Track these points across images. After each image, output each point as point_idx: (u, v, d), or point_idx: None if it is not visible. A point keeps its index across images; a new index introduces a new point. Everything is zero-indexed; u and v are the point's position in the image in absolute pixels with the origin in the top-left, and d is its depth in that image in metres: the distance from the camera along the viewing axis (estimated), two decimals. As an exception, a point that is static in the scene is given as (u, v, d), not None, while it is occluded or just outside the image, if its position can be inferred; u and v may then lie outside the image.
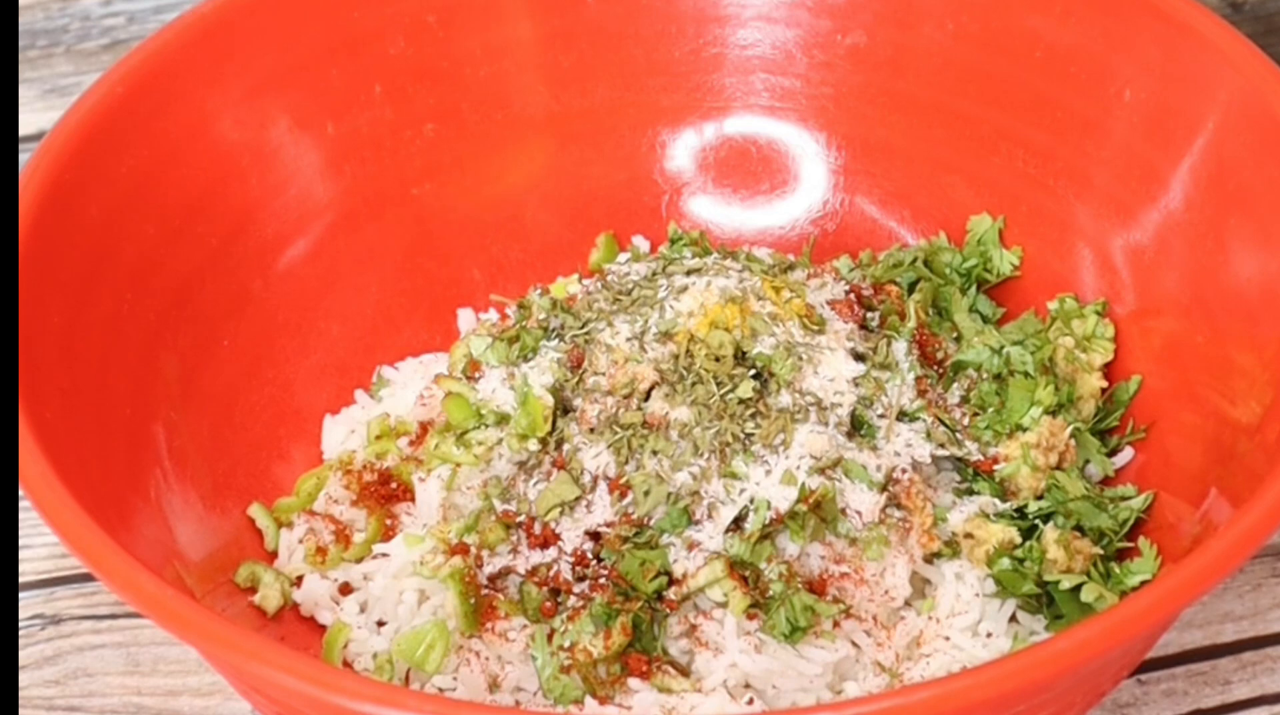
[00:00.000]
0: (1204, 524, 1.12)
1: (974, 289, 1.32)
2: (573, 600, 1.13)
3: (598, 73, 1.38)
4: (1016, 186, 1.33)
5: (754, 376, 1.16)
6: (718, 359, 1.16)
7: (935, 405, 1.21)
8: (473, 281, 1.38)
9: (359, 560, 1.23)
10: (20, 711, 1.22)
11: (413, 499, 1.23)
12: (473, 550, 1.16)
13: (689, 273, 1.23)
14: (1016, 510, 1.19)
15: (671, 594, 1.13)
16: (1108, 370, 1.27)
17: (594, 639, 1.11)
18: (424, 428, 1.26)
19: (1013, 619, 1.15)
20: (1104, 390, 1.27)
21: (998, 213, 1.34)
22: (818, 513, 1.14)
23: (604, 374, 1.18)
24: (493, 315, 1.36)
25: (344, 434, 1.30)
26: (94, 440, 1.12)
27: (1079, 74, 1.28)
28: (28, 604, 1.28)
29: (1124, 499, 1.22)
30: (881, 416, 1.18)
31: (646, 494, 1.14)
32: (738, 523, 1.14)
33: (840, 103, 1.37)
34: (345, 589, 1.22)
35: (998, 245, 1.33)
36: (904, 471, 1.17)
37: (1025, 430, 1.21)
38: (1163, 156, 1.24)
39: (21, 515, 1.29)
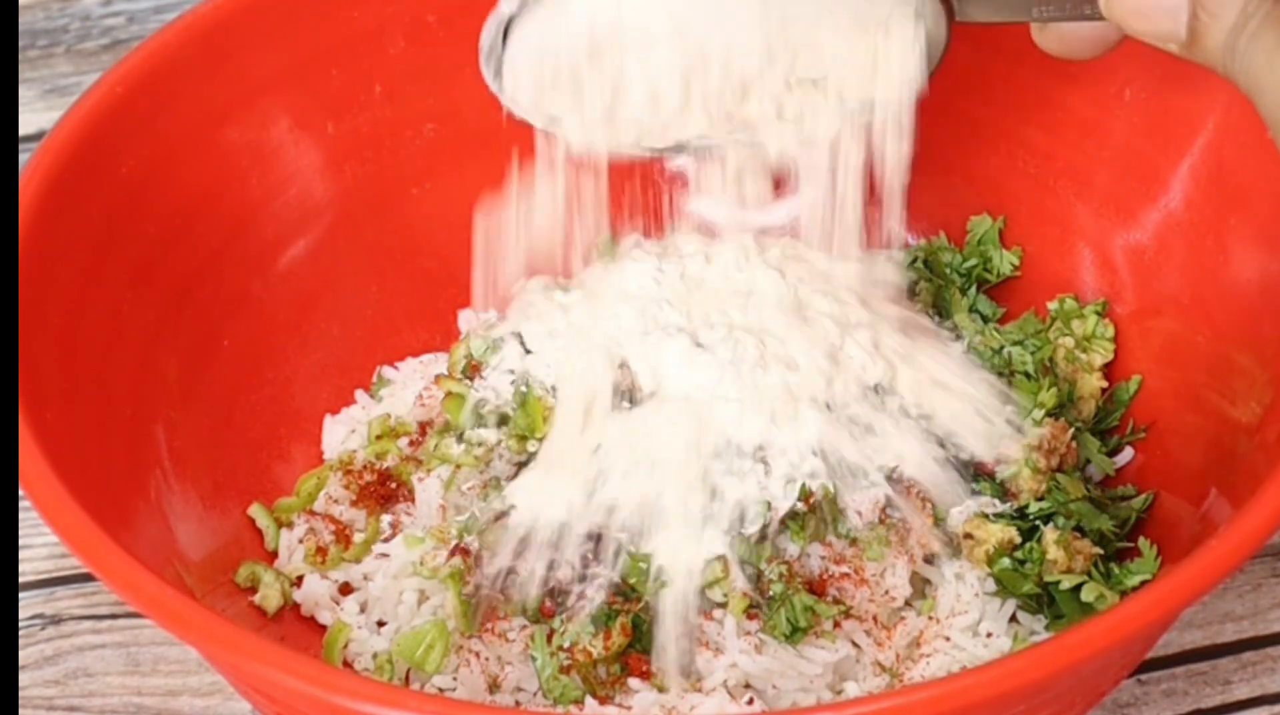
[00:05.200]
0: (1204, 524, 1.12)
1: (974, 289, 1.32)
2: (573, 600, 1.13)
3: (598, 73, 1.37)
4: (1016, 186, 1.32)
5: (754, 376, 1.17)
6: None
7: (936, 405, 1.21)
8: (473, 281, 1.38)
9: (359, 560, 1.23)
10: (20, 711, 1.22)
11: (413, 499, 1.23)
12: (473, 550, 1.16)
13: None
14: (1017, 511, 1.18)
15: (671, 594, 1.13)
16: (1108, 370, 1.27)
17: (594, 639, 1.11)
18: (424, 428, 1.26)
19: (1013, 619, 1.15)
20: (1104, 390, 1.26)
21: (998, 213, 1.33)
22: (818, 513, 1.13)
23: (604, 374, 1.18)
24: (493, 315, 1.36)
25: (344, 434, 1.30)
26: (94, 440, 1.12)
27: (1079, 74, 1.28)
28: (28, 604, 1.28)
29: (1124, 499, 1.22)
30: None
31: (646, 494, 1.14)
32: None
33: (840, 103, 1.36)
34: (345, 589, 1.22)
35: (998, 245, 1.33)
36: (904, 472, 1.17)
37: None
38: (1163, 156, 1.24)
39: (21, 515, 1.29)
